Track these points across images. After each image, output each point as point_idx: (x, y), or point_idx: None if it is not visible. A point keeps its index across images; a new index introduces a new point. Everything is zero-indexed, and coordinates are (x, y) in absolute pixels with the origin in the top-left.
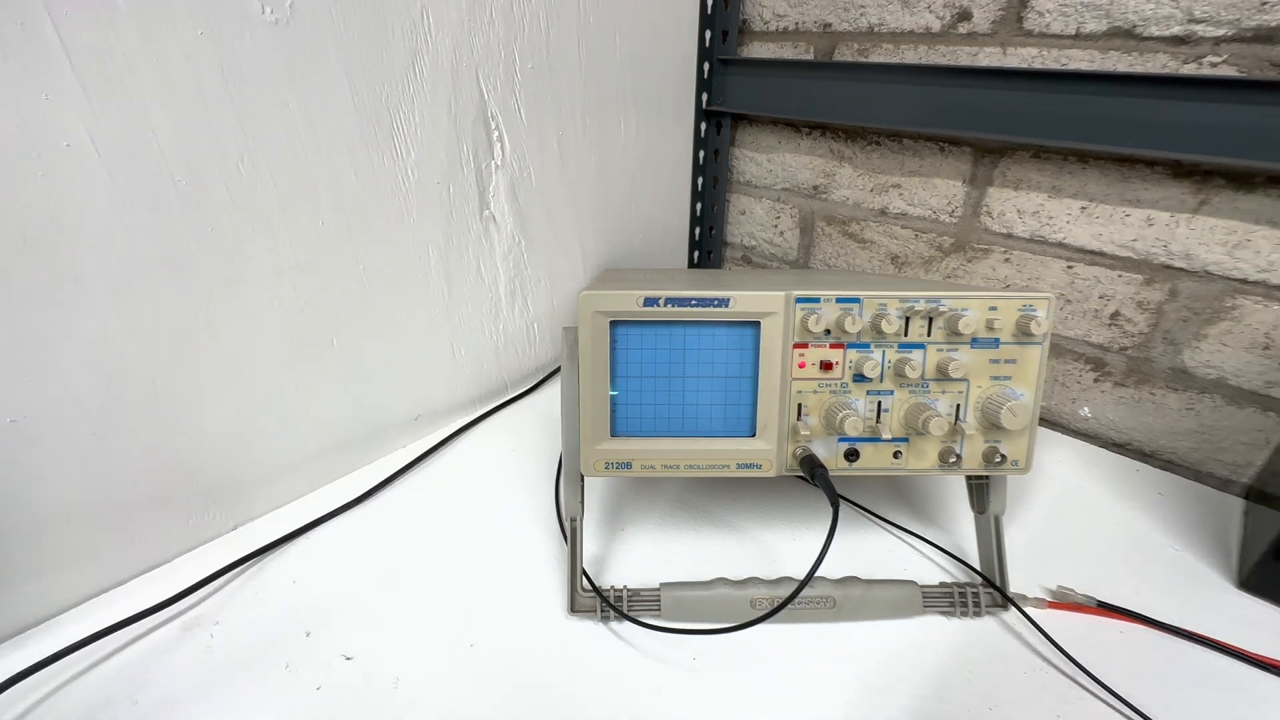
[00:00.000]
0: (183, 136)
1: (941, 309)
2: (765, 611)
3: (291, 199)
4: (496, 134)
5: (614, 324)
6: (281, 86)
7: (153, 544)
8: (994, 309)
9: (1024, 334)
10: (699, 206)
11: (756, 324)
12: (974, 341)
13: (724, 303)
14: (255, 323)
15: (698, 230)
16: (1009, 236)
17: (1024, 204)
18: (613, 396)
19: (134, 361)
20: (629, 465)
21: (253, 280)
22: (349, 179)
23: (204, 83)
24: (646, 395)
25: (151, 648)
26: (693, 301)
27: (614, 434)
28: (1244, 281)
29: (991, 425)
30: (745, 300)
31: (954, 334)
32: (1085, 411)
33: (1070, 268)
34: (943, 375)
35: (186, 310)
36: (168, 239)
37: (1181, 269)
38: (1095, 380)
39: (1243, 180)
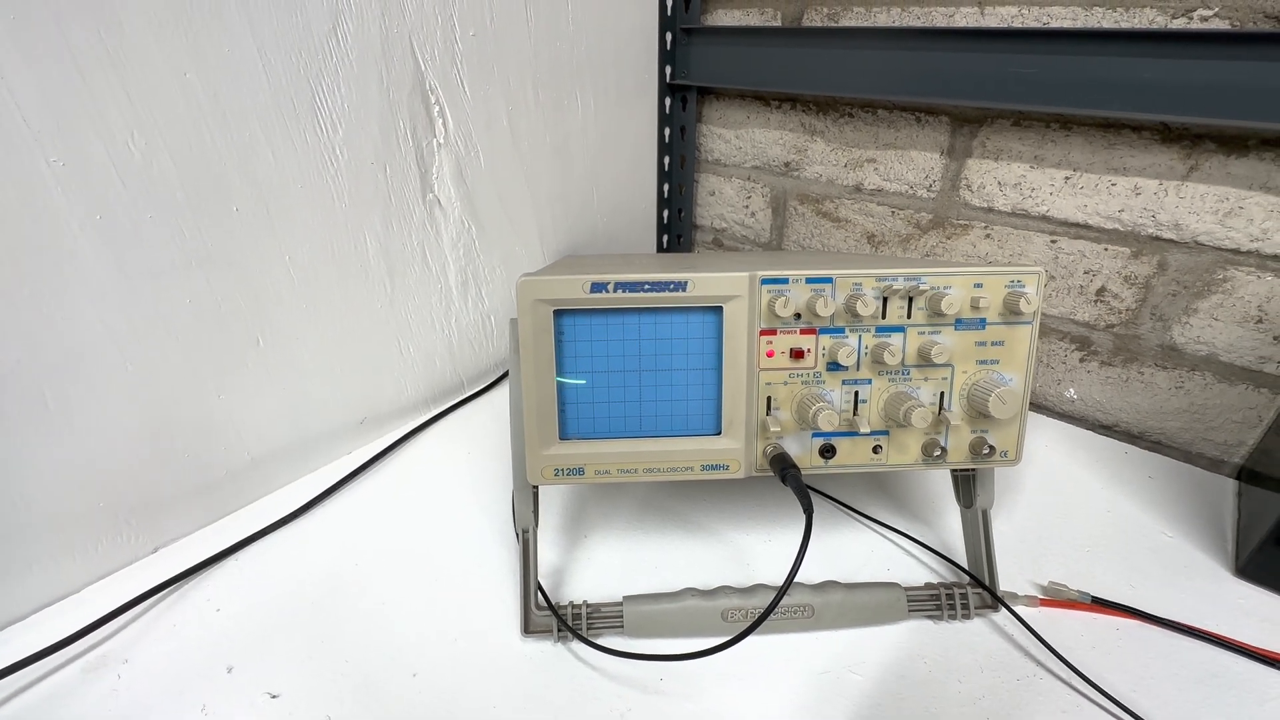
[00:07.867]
0: (53, 105)
1: (922, 288)
2: (736, 632)
3: (196, 180)
4: (437, 108)
5: (558, 313)
6: (173, 48)
7: (55, 572)
8: (979, 286)
9: (1012, 312)
10: (666, 188)
11: (718, 309)
12: (958, 323)
13: (681, 286)
14: (162, 321)
15: (666, 213)
16: (990, 211)
17: (1005, 175)
18: (570, 386)
19: (11, 369)
20: (581, 471)
21: (155, 273)
22: (265, 159)
23: (74, 41)
24: (599, 393)
25: (47, 694)
26: (645, 286)
27: (563, 436)
28: (1236, 252)
29: (978, 414)
30: (705, 283)
31: (936, 315)
32: (1071, 393)
33: (1054, 242)
34: (925, 361)
35: (75, 307)
36: (47, 227)
37: (1170, 240)
38: (1081, 360)
39: (1235, 143)
